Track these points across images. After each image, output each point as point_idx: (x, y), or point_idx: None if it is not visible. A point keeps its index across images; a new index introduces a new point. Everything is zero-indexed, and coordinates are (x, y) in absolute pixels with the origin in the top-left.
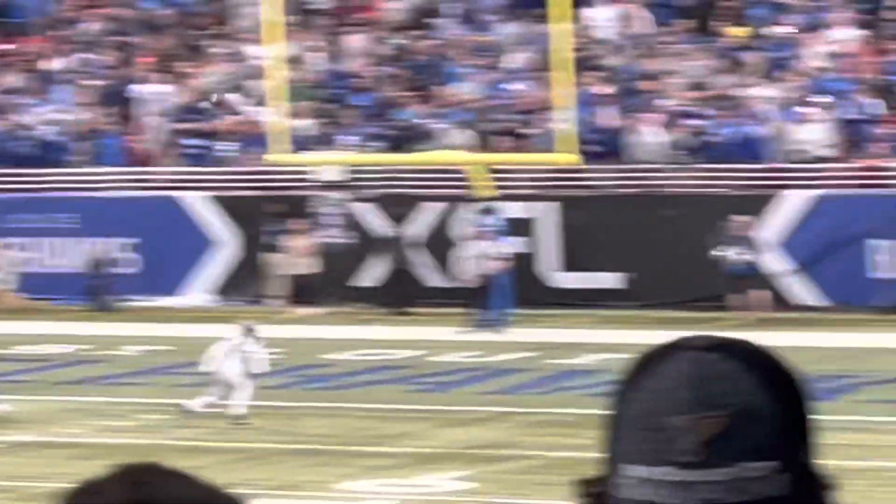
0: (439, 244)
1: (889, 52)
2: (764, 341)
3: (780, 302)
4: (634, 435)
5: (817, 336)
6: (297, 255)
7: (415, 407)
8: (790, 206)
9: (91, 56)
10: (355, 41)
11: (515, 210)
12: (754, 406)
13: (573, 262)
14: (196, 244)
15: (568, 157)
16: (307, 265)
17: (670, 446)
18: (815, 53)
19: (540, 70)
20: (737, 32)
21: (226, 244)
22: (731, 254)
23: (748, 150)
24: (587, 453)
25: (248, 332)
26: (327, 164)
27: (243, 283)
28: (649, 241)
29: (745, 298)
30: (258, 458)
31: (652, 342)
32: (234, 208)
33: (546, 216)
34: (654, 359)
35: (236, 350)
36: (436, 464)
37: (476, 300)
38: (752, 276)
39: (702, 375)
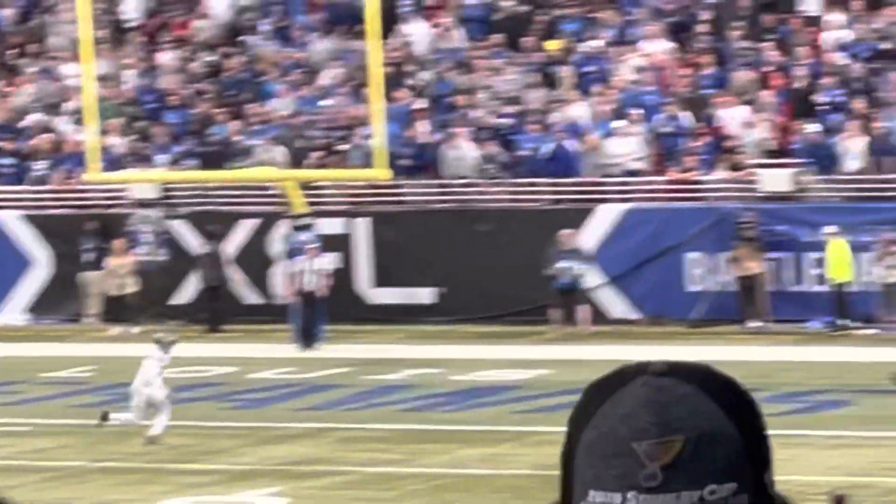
0: (255, 261)
1: (699, 65)
2: (584, 355)
3: (597, 316)
4: (595, 461)
5: (633, 350)
6: (113, 273)
7: (230, 424)
8: (604, 219)
9: None
10: (168, 58)
11: (330, 226)
12: (713, 429)
13: (387, 278)
14: (11, 263)
15: (381, 173)
16: (124, 284)
17: (632, 471)
18: (627, 67)
19: (353, 86)
20: (549, 47)
21: (41, 263)
22: (562, 268)
23: (561, 163)
24: (402, 468)
25: (167, 346)
26: (142, 181)
27: (59, 302)
28: (462, 255)
29: (571, 313)
30: (73, 476)
31: (465, 357)
32: (50, 227)
33: (359, 232)
34: (611, 384)
35: (162, 369)
36: (252, 480)
37: (292, 317)
38: (580, 291)
39: (661, 400)
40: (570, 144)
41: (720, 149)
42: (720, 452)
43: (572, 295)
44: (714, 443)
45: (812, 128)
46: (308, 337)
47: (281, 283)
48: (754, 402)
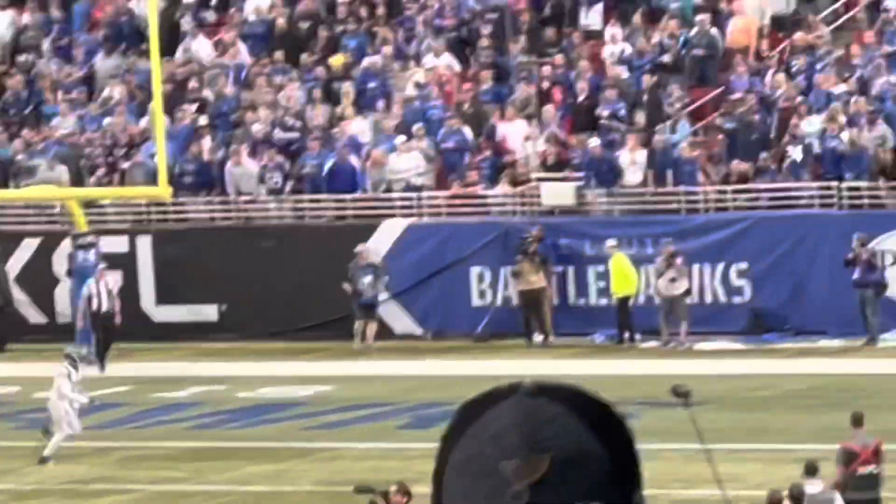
0: (38, 280)
1: (481, 80)
2: (368, 371)
3: (382, 331)
4: (465, 480)
5: (417, 364)
6: None
7: (15, 444)
8: (387, 234)
9: None
10: None
11: (113, 244)
12: (581, 449)
13: (169, 295)
14: None
15: (163, 191)
16: None
17: (500, 491)
18: (409, 83)
19: (136, 103)
20: (332, 63)
21: None
22: (361, 284)
23: (344, 179)
24: (188, 486)
25: (74, 363)
26: None
27: None
28: (246, 272)
29: (364, 327)
30: None
31: (251, 373)
32: None
33: (143, 250)
34: (482, 404)
35: (74, 384)
36: (37, 500)
37: (82, 338)
38: (376, 306)
39: (529, 420)
40: (353, 160)
41: (502, 163)
42: (587, 472)
43: (372, 310)
44: (581, 462)
45: (594, 141)
46: (102, 358)
47: (67, 302)
48: (625, 422)
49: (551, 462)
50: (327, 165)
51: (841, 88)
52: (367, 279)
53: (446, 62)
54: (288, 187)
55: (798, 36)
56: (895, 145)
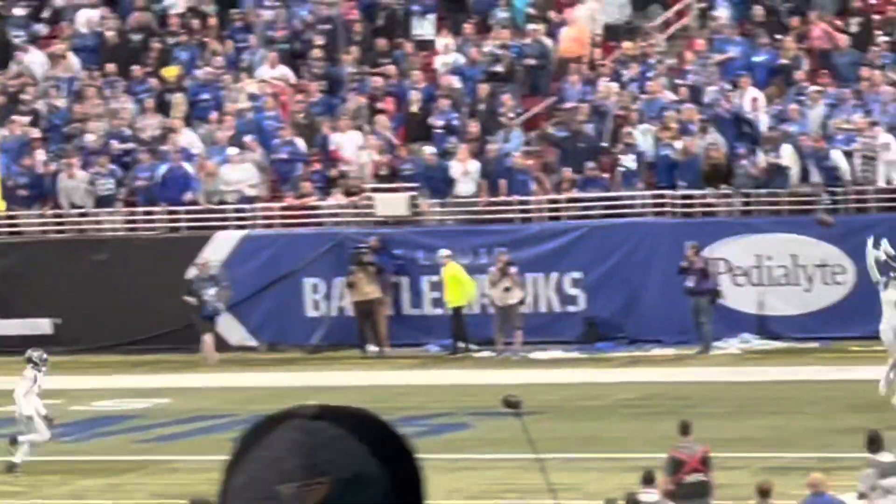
0: None
1: (313, 91)
2: (202, 383)
3: (218, 343)
4: None
5: (251, 377)
6: None
7: None
8: (221, 246)
9: None
10: None
11: None
12: (360, 471)
13: (2, 309)
14: None
15: None
16: None
17: None
18: (242, 94)
19: None
20: (164, 74)
21: None
22: (206, 296)
23: (177, 191)
24: (23, 500)
25: (38, 366)
26: None
27: None
28: (80, 285)
29: (204, 340)
30: None
31: (85, 386)
32: None
33: None
34: (263, 429)
35: (38, 386)
36: None
37: None
38: (216, 317)
39: (309, 443)
40: (186, 172)
41: (336, 174)
42: (366, 495)
43: (213, 322)
44: (360, 485)
45: (427, 151)
46: None
47: None
48: (408, 444)
49: (330, 485)
50: (160, 172)
51: (673, 97)
52: (212, 291)
53: (281, 73)
54: (121, 195)
55: (630, 45)
56: (728, 153)
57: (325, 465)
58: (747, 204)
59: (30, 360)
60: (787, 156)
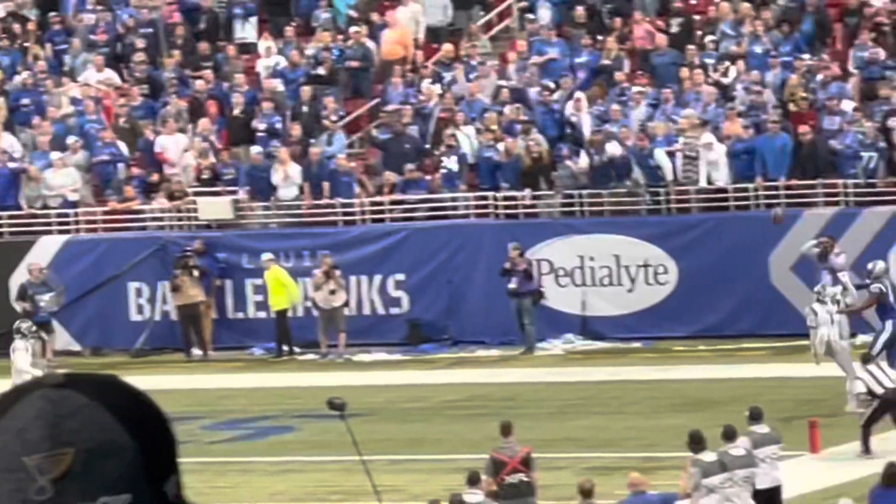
0: None
1: (135, 94)
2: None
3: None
4: None
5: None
6: None
7: None
8: (45, 251)
9: None
10: None
11: None
12: (106, 441)
13: None
14: None
15: None
16: None
17: (25, 486)
18: (63, 98)
19: None
20: None
21: None
22: (42, 301)
23: (1, 196)
24: None
25: (27, 337)
26: None
27: None
28: None
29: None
30: None
31: None
32: None
33: None
34: (10, 399)
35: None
36: None
37: None
38: (50, 322)
39: (54, 412)
40: (7, 177)
41: (158, 177)
42: (113, 464)
43: (47, 328)
44: (107, 454)
45: (250, 154)
46: None
47: None
48: (160, 412)
49: (75, 455)
50: None
51: (495, 97)
52: (48, 296)
53: (105, 77)
54: None
55: (453, 46)
56: (550, 153)
57: (70, 435)
58: (570, 205)
59: (18, 331)
60: (611, 154)
